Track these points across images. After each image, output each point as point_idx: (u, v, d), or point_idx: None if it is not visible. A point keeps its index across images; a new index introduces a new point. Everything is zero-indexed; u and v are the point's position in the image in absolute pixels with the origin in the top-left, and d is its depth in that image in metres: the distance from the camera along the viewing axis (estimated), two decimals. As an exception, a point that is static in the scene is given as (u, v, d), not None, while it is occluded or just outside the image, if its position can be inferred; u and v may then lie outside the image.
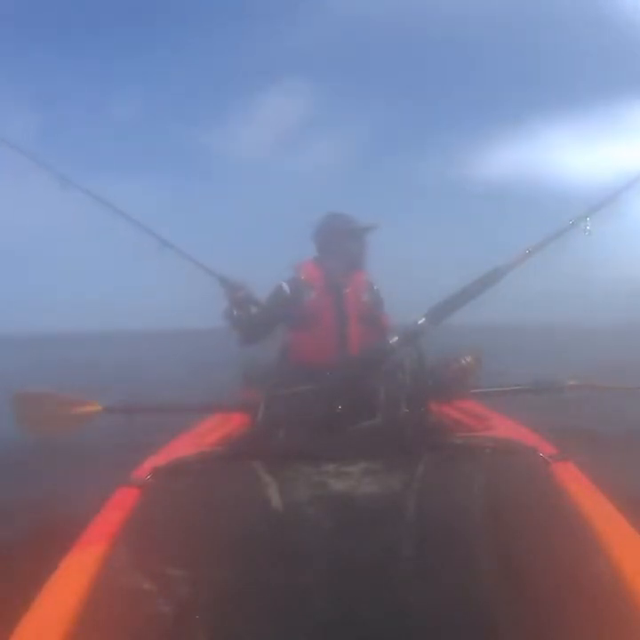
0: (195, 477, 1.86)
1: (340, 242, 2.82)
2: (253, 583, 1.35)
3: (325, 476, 1.80)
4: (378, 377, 2.37)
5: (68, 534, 1.50)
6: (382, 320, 2.81)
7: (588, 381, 2.87)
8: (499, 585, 1.31)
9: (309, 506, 1.65)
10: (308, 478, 1.79)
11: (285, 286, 2.79)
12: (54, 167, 2.91)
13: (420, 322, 2.36)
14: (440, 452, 1.98)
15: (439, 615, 1.25)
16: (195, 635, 1.21)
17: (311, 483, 1.77)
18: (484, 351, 2.63)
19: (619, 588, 1.23)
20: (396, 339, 2.36)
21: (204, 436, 2.42)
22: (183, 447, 2.18)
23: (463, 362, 2.57)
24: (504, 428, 2.40)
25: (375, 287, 2.90)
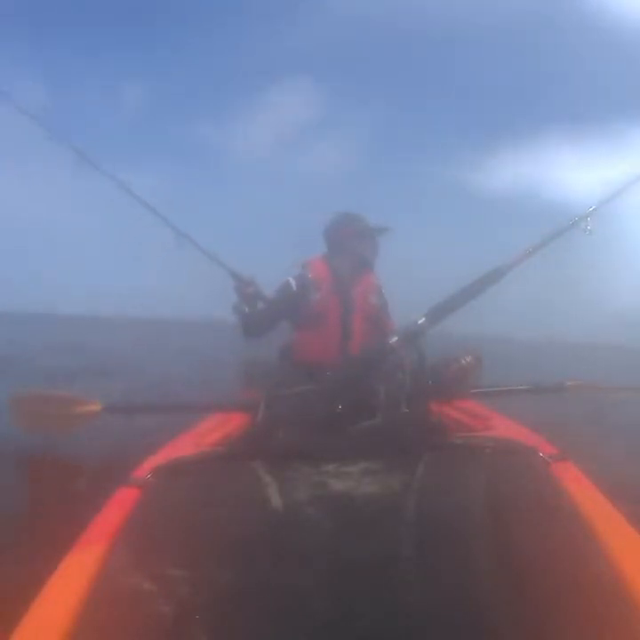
0: (195, 477, 1.85)
1: (350, 242, 2.84)
2: (253, 583, 1.35)
3: (325, 476, 1.80)
4: (378, 377, 2.38)
5: (68, 534, 1.50)
6: (387, 324, 2.82)
7: (588, 382, 2.87)
8: (499, 585, 1.31)
9: (309, 506, 1.65)
10: (308, 478, 1.79)
11: (292, 282, 2.79)
12: (83, 152, 2.91)
13: (420, 322, 2.36)
14: (440, 452, 1.98)
15: (439, 615, 1.25)
16: (195, 635, 1.21)
17: (311, 483, 1.76)
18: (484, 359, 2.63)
19: (619, 588, 1.23)
20: (395, 339, 2.36)
21: (204, 435, 2.42)
22: (183, 447, 2.18)
23: (463, 362, 2.58)
24: (504, 427, 2.40)
25: (383, 291, 2.90)
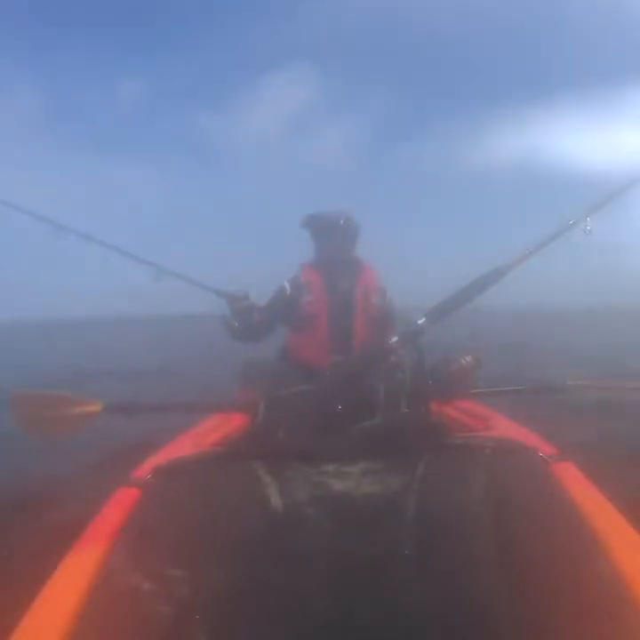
0: (195, 477, 1.86)
1: (320, 239, 2.86)
2: (253, 583, 1.35)
3: (325, 476, 1.80)
4: (378, 377, 2.38)
5: (68, 534, 1.50)
6: (388, 329, 2.82)
7: (588, 381, 2.87)
8: (499, 584, 1.31)
9: (309, 506, 1.65)
10: (308, 478, 1.79)
11: (287, 286, 2.84)
12: (47, 217, 2.93)
13: (420, 322, 2.36)
14: (440, 451, 1.98)
15: (439, 615, 1.25)
16: (195, 635, 1.21)
17: (311, 483, 1.77)
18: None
19: (619, 588, 1.23)
20: (395, 339, 2.36)
21: (204, 436, 2.42)
22: (183, 447, 2.18)
23: (463, 362, 2.58)
24: (504, 427, 2.40)
25: (388, 295, 2.89)
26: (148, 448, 2.15)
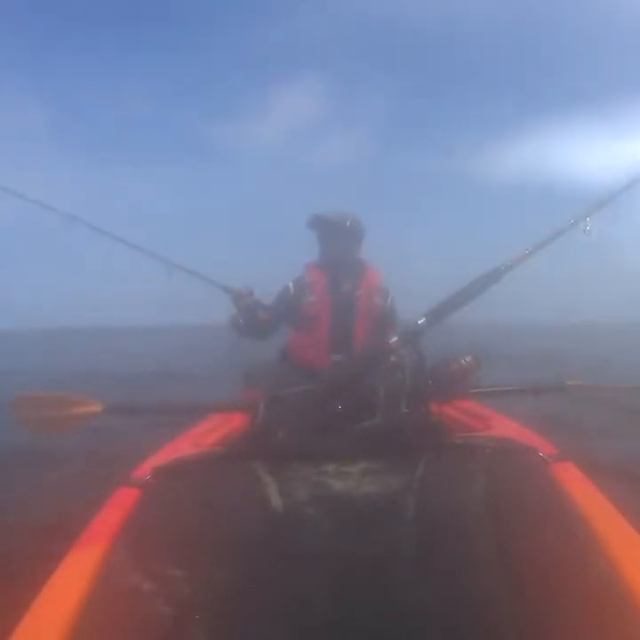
0: (195, 477, 1.86)
1: (325, 240, 2.86)
2: (253, 583, 1.35)
3: (325, 476, 1.80)
4: (378, 377, 2.38)
5: (68, 534, 1.50)
6: (390, 330, 2.82)
7: (588, 381, 2.87)
8: (499, 584, 1.31)
9: (309, 506, 1.65)
10: (308, 478, 1.79)
11: (291, 286, 2.86)
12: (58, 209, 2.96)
13: (420, 322, 2.36)
14: (440, 451, 1.98)
15: (439, 615, 1.25)
16: (195, 635, 1.21)
17: (311, 483, 1.77)
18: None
19: (618, 588, 1.23)
20: (395, 339, 2.36)
21: (204, 435, 2.42)
22: (183, 447, 2.18)
23: (463, 362, 2.57)
24: (504, 427, 2.40)
25: (390, 297, 2.90)
26: (148, 448, 2.15)
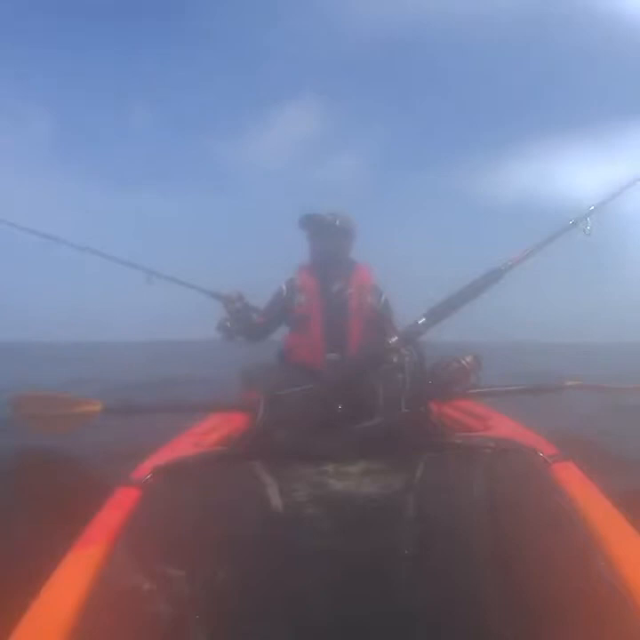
0: (195, 477, 1.85)
1: (316, 240, 2.89)
2: (253, 583, 1.35)
3: (325, 476, 1.80)
4: (377, 377, 2.38)
5: (68, 534, 1.50)
6: (387, 328, 2.82)
7: (588, 381, 2.87)
8: (498, 584, 1.31)
9: (309, 506, 1.65)
10: (308, 478, 1.79)
11: (284, 288, 2.91)
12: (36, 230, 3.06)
13: (420, 322, 2.36)
14: (440, 451, 1.98)
15: (439, 615, 1.25)
16: (195, 635, 1.21)
17: (311, 483, 1.77)
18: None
19: (618, 588, 1.22)
20: (395, 339, 2.36)
21: (203, 435, 2.42)
22: (183, 447, 2.18)
23: (463, 362, 2.57)
24: (504, 427, 2.40)
25: (383, 296, 2.90)
26: (148, 448, 2.14)
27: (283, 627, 1.23)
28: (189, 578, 1.34)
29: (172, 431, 2.42)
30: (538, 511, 1.59)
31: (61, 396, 2.71)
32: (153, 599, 1.27)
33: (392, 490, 1.72)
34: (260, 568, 1.39)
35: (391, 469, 1.83)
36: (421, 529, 1.51)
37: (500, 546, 1.44)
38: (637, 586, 1.21)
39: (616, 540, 1.38)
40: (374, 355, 2.44)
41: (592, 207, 2.56)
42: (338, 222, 2.83)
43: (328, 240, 2.83)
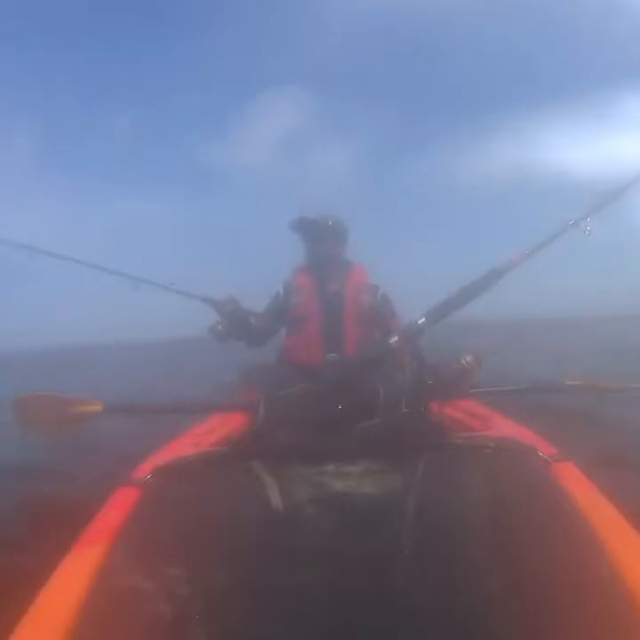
0: (195, 477, 1.86)
1: (309, 241, 2.90)
2: (253, 583, 1.35)
3: (325, 476, 1.80)
4: (377, 377, 2.38)
5: (68, 534, 1.50)
6: (389, 323, 2.81)
7: (588, 381, 2.87)
8: (499, 584, 1.32)
9: (309, 506, 1.65)
10: (308, 478, 1.79)
11: (281, 290, 2.94)
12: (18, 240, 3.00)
13: (420, 322, 2.37)
14: (440, 451, 1.98)
15: (439, 614, 1.25)
16: (195, 635, 1.21)
17: (311, 483, 1.77)
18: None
19: (619, 588, 1.23)
20: (395, 339, 2.36)
21: (203, 435, 2.42)
22: (183, 447, 2.18)
23: (463, 362, 2.57)
24: (504, 427, 2.40)
25: (380, 290, 2.91)
26: (148, 448, 2.14)
27: (283, 626, 1.23)
28: (189, 578, 1.34)
29: (172, 431, 2.43)
30: (538, 511, 1.59)
31: (61, 397, 2.71)
32: (153, 599, 1.28)
33: (392, 490, 1.72)
34: (260, 568, 1.39)
35: (391, 469, 1.83)
36: (421, 529, 1.51)
37: (499, 545, 1.44)
38: (637, 585, 1.21)
39: (616, 539, 1.39)
40: (374, 355, 2.44)
41: (592, 207, 2.56)
42: (330, 223, 2.86)
43: (322, 242, 2.86)
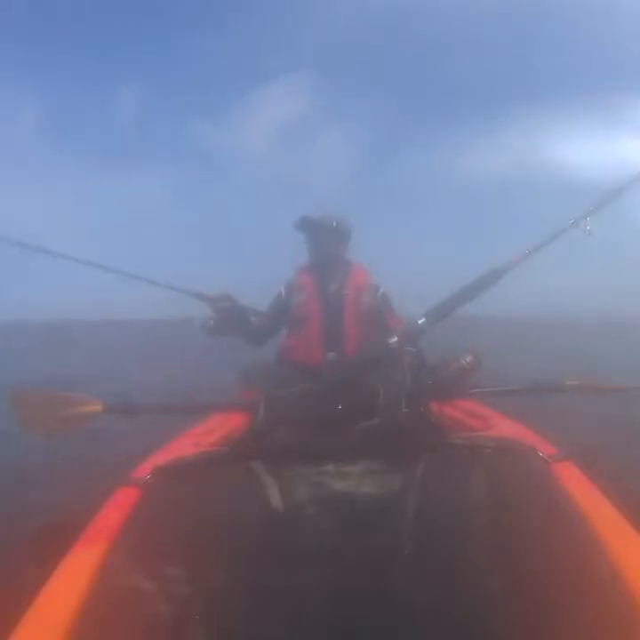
0: (195, 477, 1.86)
1: (313, 241, 2.89)
2: (253, 583, 1.35)
3: (325, 476, 1.80)
4: (377, 377, 2.38)
5: (68, 534, 1.50)
6: (389, 322, 2.82)
7: (588, 381, 2.87)
8: (499, 584, 1.32)
9: (309, 506, 1.65)
10: (308, 478, 1.79)
11: (282, 290, 2.93)
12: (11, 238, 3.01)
13: (419, 322, 2.37)
14: (440, 451, 1.98)
15: (439, 614, 1.25)
16: (195, 635, 1.21)
17: (311, 483, 1.77)
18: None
19: (619, 588, 1.23)
20: (395, 339, 2.36)
21: (203, 435, 2.42)
22: (183, 447, 2.18)
23: (463, 362, 2.58)
24: (504, 427, 2.40)
25: (381, 290, 2.91)
26: (148, 448, 2.15)
27: (283, 626, 1.23)
28: (189, 578, 1.34)
29: (172, 431, 2.43)
30: (538, 511, 1.59)
31: (61, 396, 2.71)
32: (153, 599, 1.27)
33: (392, 490, 1.72)
34: (260, 568, 1.39)
35: (391, 469, 1.83)
36: (421, 529, 1.51)
37: (499, 545, 1.44)
38: (637, 585, 1.21)
39: (616, 539, 1.39)
40: (374, 355, 2.44)
41: (591, 208, 2.56)
42: (334, 224, 2.86)
43: (325, 242, 2.86)
